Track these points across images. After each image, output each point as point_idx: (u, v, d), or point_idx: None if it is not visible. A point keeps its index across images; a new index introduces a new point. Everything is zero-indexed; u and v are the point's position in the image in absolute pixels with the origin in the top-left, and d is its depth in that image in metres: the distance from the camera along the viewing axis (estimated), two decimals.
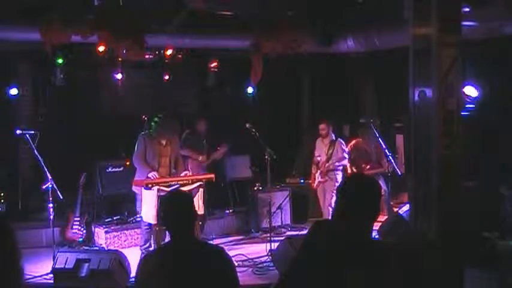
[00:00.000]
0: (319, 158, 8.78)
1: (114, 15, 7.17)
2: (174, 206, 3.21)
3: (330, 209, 8.52)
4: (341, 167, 8.66)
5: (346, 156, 8.68)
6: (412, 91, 4.69)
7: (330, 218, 8.25)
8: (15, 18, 7.28)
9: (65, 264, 6.27)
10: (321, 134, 8.81)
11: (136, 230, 8.49)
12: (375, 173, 8.82)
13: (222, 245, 8.17)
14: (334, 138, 8.70)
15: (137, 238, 8.45)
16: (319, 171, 8.76)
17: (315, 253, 2.61)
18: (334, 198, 8.35)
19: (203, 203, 8.26)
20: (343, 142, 8.71)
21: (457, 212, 4.61)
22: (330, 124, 8.74)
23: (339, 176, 8.61)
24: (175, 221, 3.17)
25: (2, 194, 8.60)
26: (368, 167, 9.01)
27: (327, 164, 8.65)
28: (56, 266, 6.34)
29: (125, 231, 8.45)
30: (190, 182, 7.97)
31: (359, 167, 9.08)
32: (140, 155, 7.41)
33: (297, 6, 8.19)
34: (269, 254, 7.46)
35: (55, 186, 7.08)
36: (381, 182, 8.73)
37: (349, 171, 9.11)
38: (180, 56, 9.34)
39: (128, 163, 9.25)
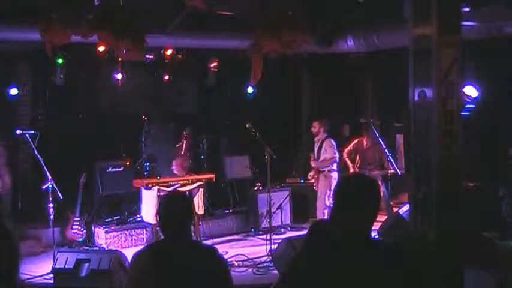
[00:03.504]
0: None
1: (114, 15, 7.16)
2: (170, 208, 3.21)
3: (321, 208, 8.49)
4: (335, 166, 8.60)
5: (335, 155, 8.52)
6: (412, 91, 4.69)
7: (322, 216, 8.31)
8: (15, 18, 7.28)
9: (65, 264, 6.27)
10: (311, 132, 8.82)
11: (136, 230, 8.51)
12: (376, 175, 8.79)
13: (222, 245, 8.20)
14: (324, 137, 8.66)
15: (137, 238, 8.47)
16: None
17: (314, 253, 2.61)
18: (327, 198, 8.42)
19: (203, 203, 8.28)
20: (333, 142, 8.57)
21: (457, 212, 4.61)
22: (323, 124, 8.66)
23: (334, 176, 8.54)
24: (170, 223, 3.17)
25: None
26: (370, 167, 8.95)
27: (313, 164, 8.64)
28: (56, 266, 6.34)
29: (125, 231, 8.45)
30: (190, 182, 7.98)
31: (360, 167, 9.04)
32: None
33: (297, 6, 8.18)
34: (269, 254, 7.45)
35: (55, 186, 7.08)
36: (380, 182, 8.73)
37: (351, 170, 9.09)
38: (180, 56, 9.34)
39: (128, 163, 9.26)
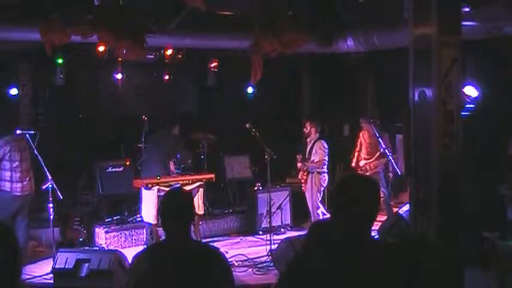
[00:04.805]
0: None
1: (114, 15, 7.16)
2: (171, 205, 3.20)
3: (314, 209, 8.47)
4: (325, 168, 8.54)
5: (324, 158, 8.46)
6: (412, 91, 4.70)
7: (317, 217, 8.31)
8: (15, 18, 7.28)
9: (65, 264, 6.28)
10: (303, 133, 8.82)
11: (136, 230, 8.51)
12: (378, 165, 8.81)
13: (222, 245, 8.20)
14: (316, 138, 8.62)
15: (137, 238, 8.47)
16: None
17: (314, 253, 2.61)
18: (317, 199, 8.39)
19: (203, 203, 8.28)
20: (325, 144, 8.51)
21: (457, 212, 4.61)
22: (314, 124, 8.63)
23: (324, 178, 8.50)
24: (171, 220, 3.15)
25: None
26: (376, 155, 8.93)
27: (300, 164, 8.58)
28: (56, 266, 6.35)
29: (125, 231, 8.44)
30: (190, 182, 7.99)
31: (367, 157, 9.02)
32: None
33: (297, 6, 8.18)
34: (269, 254, 7.45)
35: (55, 186, 7.09)
36: (381, 183, 8.73)
37: (354, 161, 9.10)
38: (180, 56, 9.34)
39: (128, 163, 9.27)
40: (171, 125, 8.73)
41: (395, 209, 8.31)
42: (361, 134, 9.17)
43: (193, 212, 3.35)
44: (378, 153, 8.86)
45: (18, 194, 7.29)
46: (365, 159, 9.02)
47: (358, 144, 9.17)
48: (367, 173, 8.65)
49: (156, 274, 3.06)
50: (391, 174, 9.06)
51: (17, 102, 9.42)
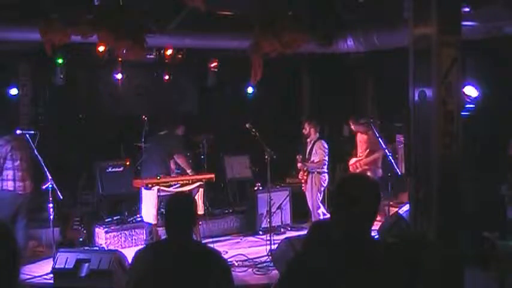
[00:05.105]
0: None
1: (114, 15, 7.17)
2: (175, 208, 3.22)
3: (315, 209, 8.48)
4: (325, 168, 8.56)
5: (324, 158, 8.48)
6: (412, 91, 4.70)
7: (318, 217, 8.32)
8: (15, 18, 7.29)
9: (65, 264, 6.28)
10: (303, 132, 8.83)
11: (136, 230, 8.51)
12: (367, 162, 8.83)
13: (222, 245, 8.21)
14: (316, 138, 8.64)
15: (137, 238, 8.47)
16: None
17: (314, 253, 2.61)
18: (317, 199, 8.40)
19: (203, 203, 8.28)
20: (325, 144, 8.53)
21: (457, 212, 4.61)
22: (313, 124, 8.65)
23: (324, 178, 8.52)
24: (174, 222, 3.17)
25: None
26: (365, 153, 8.98)
27: (300, 165, 8.59)
28: (56, 266, 6.35)
29: (125, 231, 8.44)
30: (190, 182, 7.99)
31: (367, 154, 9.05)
32: None
33: (297, 6, 8.19)
34: (269, 254, 7.45)
35: (55, 186, 7.09)
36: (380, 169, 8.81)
37: (353, 160, 9.12)
38: (180, 56, 9.34)
39: (128, 163, 9.27)
40: (174, 125, 8.74)
41: (395, 209, 8.31)
42: (357, 135, 9.24)
43: (196, 215, 3.36)
44: (368, 150, 8.90)
45: (20, 192, 7.31)
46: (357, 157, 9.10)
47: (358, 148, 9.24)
48: (357, 171, 8.74)
49: (156, 274, 3.07)
50: (380, 171, 9.07)
51: (17, 102, 9.42)
